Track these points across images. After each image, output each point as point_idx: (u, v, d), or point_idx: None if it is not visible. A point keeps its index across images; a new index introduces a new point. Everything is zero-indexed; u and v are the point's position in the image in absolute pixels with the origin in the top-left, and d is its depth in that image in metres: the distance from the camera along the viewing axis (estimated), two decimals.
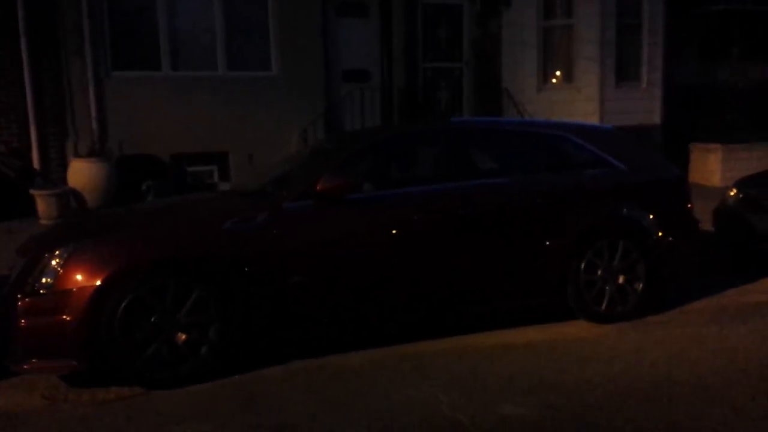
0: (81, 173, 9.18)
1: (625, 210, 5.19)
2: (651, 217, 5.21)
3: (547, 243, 4.88)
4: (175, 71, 9.94)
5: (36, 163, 9.27)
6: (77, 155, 9.33)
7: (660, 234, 5.20)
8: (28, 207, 8.77)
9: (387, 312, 4.59)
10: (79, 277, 3.92)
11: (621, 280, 5.09)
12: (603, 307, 5.05)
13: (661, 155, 5.91)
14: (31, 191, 8.85)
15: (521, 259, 4.85)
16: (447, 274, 4.68)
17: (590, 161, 5.27)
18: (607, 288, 5.05)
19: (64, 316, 3.86)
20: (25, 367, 3.94)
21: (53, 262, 3.97)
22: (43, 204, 8.85)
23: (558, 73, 11.09)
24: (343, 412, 3.61)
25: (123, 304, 3.90)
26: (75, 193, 9.12)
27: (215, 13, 10.00)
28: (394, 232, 4.54)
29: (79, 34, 9.28)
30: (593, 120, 10.50)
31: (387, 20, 10.77)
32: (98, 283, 3.89)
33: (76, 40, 9.31)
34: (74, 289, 3.89)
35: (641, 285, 5.13)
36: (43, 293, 3.92)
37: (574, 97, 10.75)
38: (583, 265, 4.97)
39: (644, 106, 10.80)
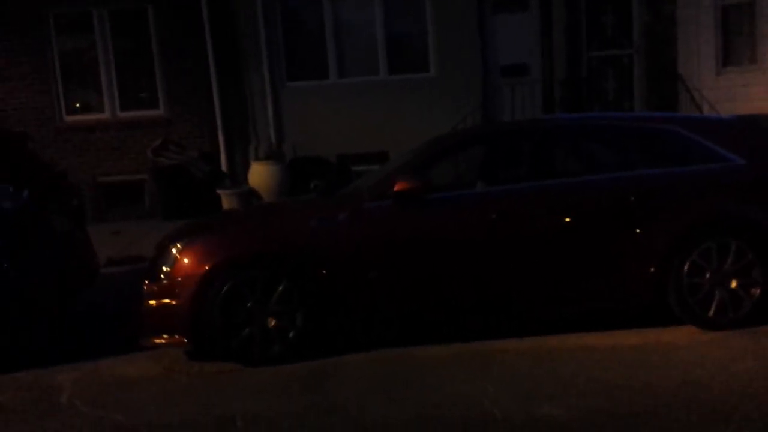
0: (259, 174, 10.33)
1: (738, 207, 4.78)
2: None
3: (642, 244, 4.67)
4: (341, 78, 10.75)
5: (224, 166, 10.60)
6: (257, 158, 10.50)
7: None
8: (215, 205, 10.09)
9: (464, 308, 4.74)
10: (189, 266, 4.60)
11: (734, 284, 4.70)
12: (711, 312, 4.71)
13: None
14: (217, 191, 10.16)
15: (611, 261, 4.69)
16: (528, 275, 4.69)
17: (701, 155, 4.90)
18: (716, 292, 4.70)
19: (177, 299, 4.58)
20: (152, 341, 4.72)
21: (173, 252, 4.70)
22: (227, 202, 10.13)
23: (739, 54, 10.08)
24: (393, 401, 3.86)
25: (222, 292, 4.52)
26: (254, 192, 10.28)
27: (377, 22, 10.63)
28: (471, 231, 4.67)
29: (258, 51, 10.45)
30: None
31: (547, 11, 10.62)
32: (202, 272, 4.54)
33: (255, 57, 10.50)
34: (185, 276, 4.58)
35: (759, 290, 4.70)
36: (163, 278, 4.67)
37: (759, 80, 9.72)
38: (686, 267, 4.68)
39: None
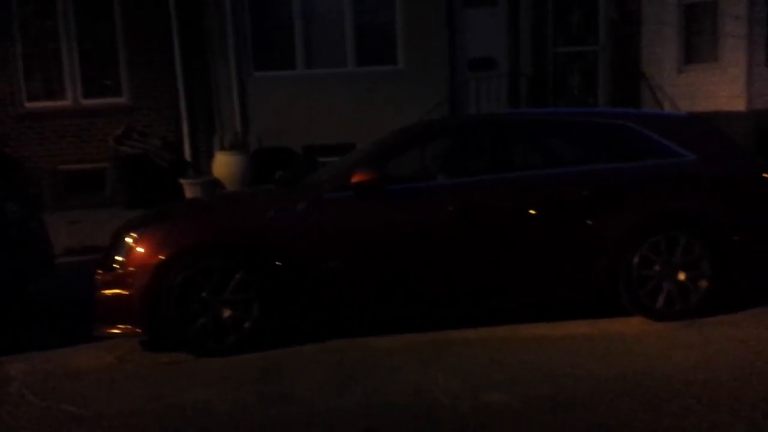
0: (223, 164, 10.26)
1: (687, 203, 4.88)
2: (722, 212, 4.85)
3: (594, 237, 4.75)
4: (308, 69, 10.72)
5: (187, 155, 10.51)
6: (221, 148, 10.42)
7: (732, 230, 4.83)
8: (178, 194, 10.00)
9: (420, 299, 4.77)
10: (143, 256, 4.56)
11: (682, 276, 4.81)
12: (658, 304, 4.81)
13: (744, 147, 5.40)
14: (180, 180, 10.07)
15: (563, 253, 4.77)
16: (482, 266, 4.73)
17: (653, 151, 5.00)
18: (663, 284, 4.80)
19: (131, 289, 4.53)
20: (105, 331, 4.66)
21: (127, 242, 4.65)
22: (190, 191, 10.04)
23: (701, 53, 10.27)
24: (346, 390, 3.89)
25: (177, 282, 4.48)
26: (217, 182, 10.21)
27: (345, 13, 10.60)
28: (428, 223, 4.70)
29: (224, 40, 10.37)
30: (739, 102, 9.66)
31: (515, 6, 10.69)
32: (157, 262, 4.50)
33: (222, 46, 10.40)
34: (139, 266, 4.53)
35: (705, 283, 4.81)
36: (116, 267, 4.62)
37: (719, 78, 9.90)
38: (636, 260, 4.77)
39: None
